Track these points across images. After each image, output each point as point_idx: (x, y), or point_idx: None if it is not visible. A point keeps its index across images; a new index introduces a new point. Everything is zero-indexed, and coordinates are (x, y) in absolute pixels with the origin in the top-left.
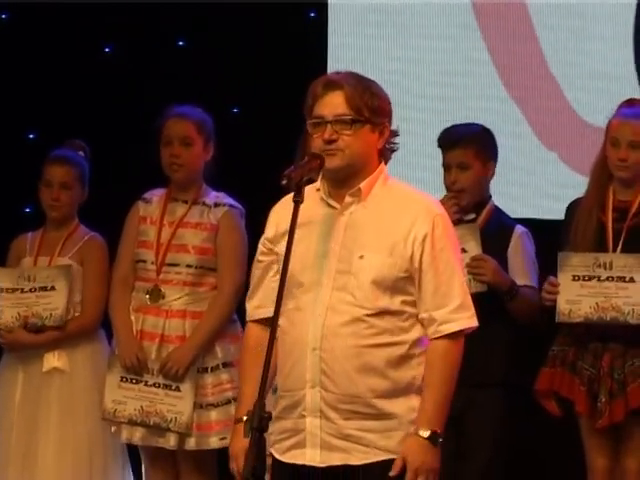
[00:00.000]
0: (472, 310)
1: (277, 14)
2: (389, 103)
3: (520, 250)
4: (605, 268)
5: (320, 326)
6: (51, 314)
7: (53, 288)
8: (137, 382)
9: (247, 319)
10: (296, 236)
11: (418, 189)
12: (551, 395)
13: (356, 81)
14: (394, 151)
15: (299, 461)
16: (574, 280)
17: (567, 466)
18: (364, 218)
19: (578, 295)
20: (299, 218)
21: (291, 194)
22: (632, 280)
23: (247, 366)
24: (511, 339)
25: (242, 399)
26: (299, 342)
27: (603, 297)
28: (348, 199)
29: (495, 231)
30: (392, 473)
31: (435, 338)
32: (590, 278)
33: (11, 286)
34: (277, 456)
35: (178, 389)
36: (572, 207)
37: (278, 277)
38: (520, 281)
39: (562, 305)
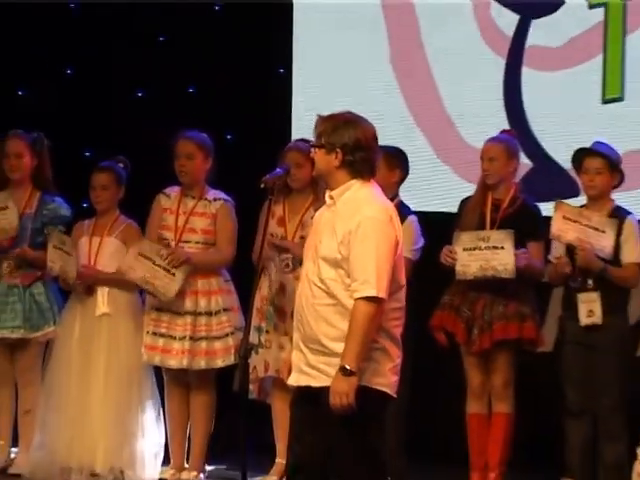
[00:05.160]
0: (372, 284)
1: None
2: (350, 136)
3: (408, 233)
4: (484, 241)
5: (302, 287)
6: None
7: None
8: (148, 258)
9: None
10: (316, 226)
11: (374, 197)
12: (441, 330)
13: (330, 118)
14: (372, 170)
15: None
16: (464, 251)
17: (452, 384)
18: (330, 216)
19: (468, 261)
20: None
21: (322, 208)
22: (502, 248)
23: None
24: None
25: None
26: (297, 297)
27: (484, 261)
28: (330, 202)
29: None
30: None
31: (354, 301)
32: (475, 249)
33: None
34: None
35: (173, 274)
36: (463, 202)
37: None
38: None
39: (458, 268)
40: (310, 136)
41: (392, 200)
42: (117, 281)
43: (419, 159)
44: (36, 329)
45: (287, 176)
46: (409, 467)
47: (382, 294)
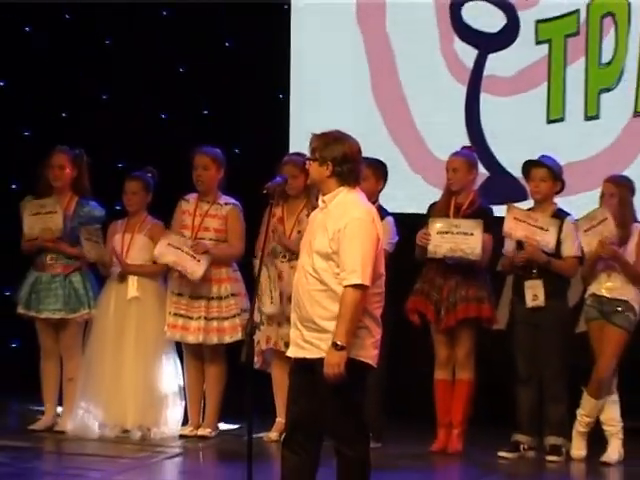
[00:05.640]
0: (358, 274)
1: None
2: (339, 151)
3: (386, 230)
4: (456, 227)
5: (298, 276)
6: None
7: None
8: (177, 248)
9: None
10: (310, 226)
11: (360, 201)
12: (414, 312)
13: (322, 135)
14: (357, 179)
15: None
16: (437, 234)
17: (423, 357)
18: (323, 217)
19: (440, 242)
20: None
21: (316, 210)
22: (472, 234)
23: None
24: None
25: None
26: (295, 284)
27: (454, 243)
28: (322, 205)
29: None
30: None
31: (343, 288)
32: (447, 232)
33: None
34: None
35: (199, 260)
36: (431, 206)
37: None
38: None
39: (431, 248)
40: (303, 150)
41: (374, 204)
42: (144, 272)
43: (395, 169)
44: (74, 311)
45: (285, 184)
46: (388, 425)
47: (367, 282)
